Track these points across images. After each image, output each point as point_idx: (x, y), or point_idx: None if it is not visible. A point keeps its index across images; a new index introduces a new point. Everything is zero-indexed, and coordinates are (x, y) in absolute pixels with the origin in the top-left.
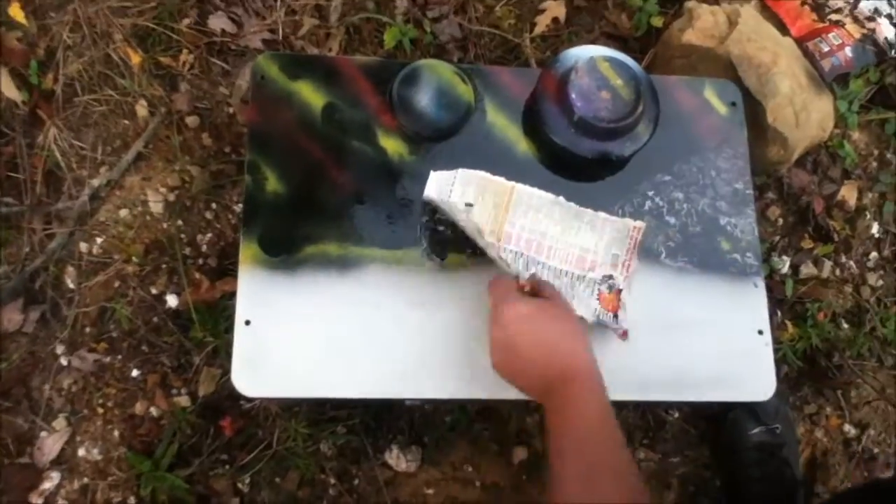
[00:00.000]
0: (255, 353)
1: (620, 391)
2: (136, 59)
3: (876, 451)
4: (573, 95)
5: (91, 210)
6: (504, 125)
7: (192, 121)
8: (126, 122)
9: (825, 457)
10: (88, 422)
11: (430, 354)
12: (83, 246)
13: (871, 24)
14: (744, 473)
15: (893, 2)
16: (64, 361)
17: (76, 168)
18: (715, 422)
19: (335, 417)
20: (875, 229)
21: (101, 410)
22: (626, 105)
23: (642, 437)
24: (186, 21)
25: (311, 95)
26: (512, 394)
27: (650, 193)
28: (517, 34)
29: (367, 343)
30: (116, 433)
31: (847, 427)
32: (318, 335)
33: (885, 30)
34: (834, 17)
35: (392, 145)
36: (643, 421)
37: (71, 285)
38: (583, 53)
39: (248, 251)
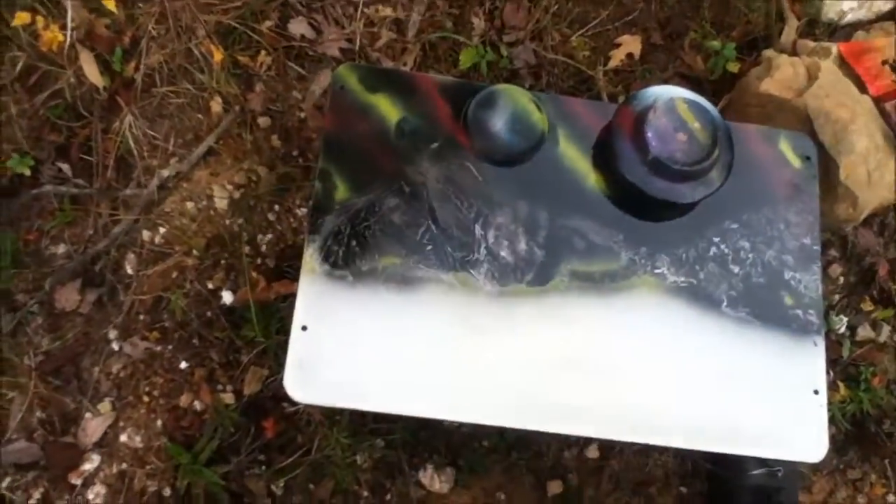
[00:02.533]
0: (309, 359)
1: (668, 436)
2: (217, 55)
3: None
4: (649, 134)
5: (157, 199)
6: (575, 157)
7: (263, 121)
8: (200, 116)
9: None
10: (133, 408)
11: (478, 379)
12: (146, 234)
13: None
14: None
15: None
16: (115, 346)
17: (147, 157)
18: (714, 456)
19: (375, 430)
20: None
21: (146, 398)
22: (702, 149)
23: (679, 484)
24: (268, 23)
25: (388, 109)
26: (554, 427)
27: (716, 240)
28: (591, 66)
29: (419, 361)
30: (159, 422)
31: (892, 497)
32: (372, 348)
33: None
34: None
35: (463, 166)
36: (681, 467)
37: (130, 271)
38: (662, 93)
39: (311, 257)
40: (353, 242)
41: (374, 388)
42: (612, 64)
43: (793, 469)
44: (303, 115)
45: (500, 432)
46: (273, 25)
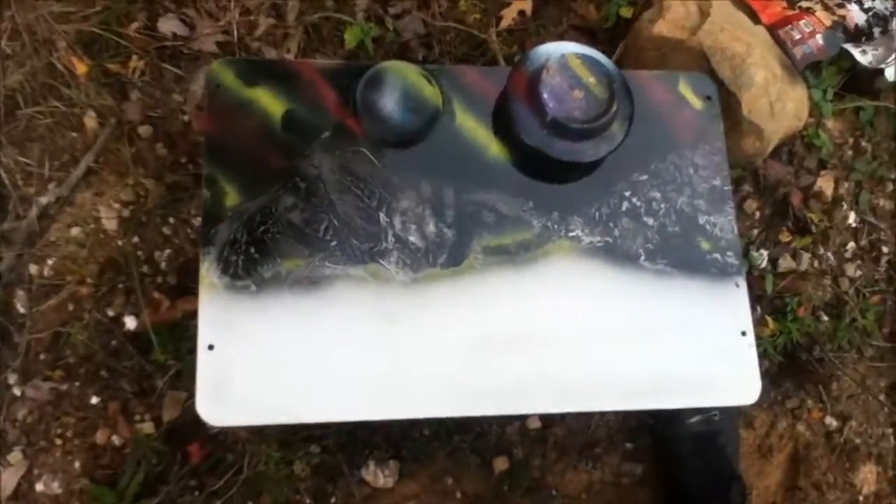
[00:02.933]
0: (221, 380)
1: (603, 401)
2: (81, 67)
3: (858, 441)
4: (545, 95)
5: (40, 230)
6: (474, 127)
7: (144, 131)
8: (74, 134)
9: (808, 450)
10: (46, 454)
11: (404, 373)
12: (33, 268)
13: (841, 11)
14: (680, 465)
15: None
16: (17, 391)
17: (22, 185)
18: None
19: (308, 437)
20: (852, 219)
21: (59, 441)
22: (600, 104)
23: (624, 441)
24: (135, 25)
25: (271, 103)
26: (490, 410)
27: (627, 194)
28: (483, 29)
29: (338, 364)
30: (77, 464)
31: (829, 420)
32: (285, 358)
33: (855, 16)
34: (804, 4)
35: (357, 153)
36: (624, 424)
37: (21, 310)
38: (554, 51)
39: (208, 271)
40: (252, 249)
41: (296, 400)
42: (505, 24)
43: (728, 410)
44: (186, 118)
45: (439, 419)
46: (141, 27)
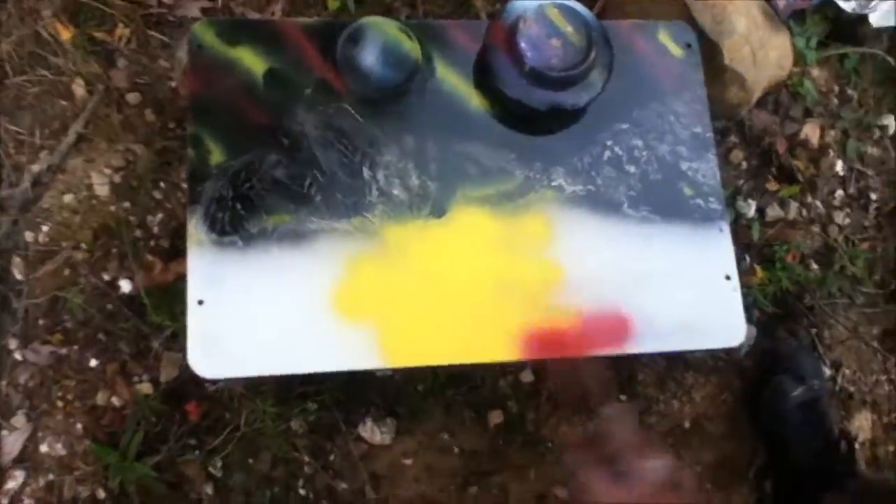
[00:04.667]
0: (211, 333)
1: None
2: (66, 34)
3: (852, 389)
4: (523, 45)
5: (34, 197)
6: (455, 81)
7: (133, 97)
8: (63, 102)
9: None
10: (49, 416)
11: (395, 321)
12: (28, 235)
13: None
14: (790, 435)
15: None
16: (18, 356)
17: (14, 154)
18: (752, 386)
19: (304, 394)
20: (839, 167)
21: (61, 404)
22: (578, 52)
23: (617, 392)
24: None
25: (253, 61)
26: (484, 357)
27: (609, 143)
28: None
29: (327, 315)
30: (79, 426)
31: (822, 368)
32: (274, 310)
33: None
34: None
35: (340, 109)
36: (616, 376)
37: (19, 276)
38: (531, 2)
39: (195, 228)
40: (238, 206)
41: (286, 352)
42: None
43: (823, 380)
44: (173, 84)
45: (434, 373)
46: None
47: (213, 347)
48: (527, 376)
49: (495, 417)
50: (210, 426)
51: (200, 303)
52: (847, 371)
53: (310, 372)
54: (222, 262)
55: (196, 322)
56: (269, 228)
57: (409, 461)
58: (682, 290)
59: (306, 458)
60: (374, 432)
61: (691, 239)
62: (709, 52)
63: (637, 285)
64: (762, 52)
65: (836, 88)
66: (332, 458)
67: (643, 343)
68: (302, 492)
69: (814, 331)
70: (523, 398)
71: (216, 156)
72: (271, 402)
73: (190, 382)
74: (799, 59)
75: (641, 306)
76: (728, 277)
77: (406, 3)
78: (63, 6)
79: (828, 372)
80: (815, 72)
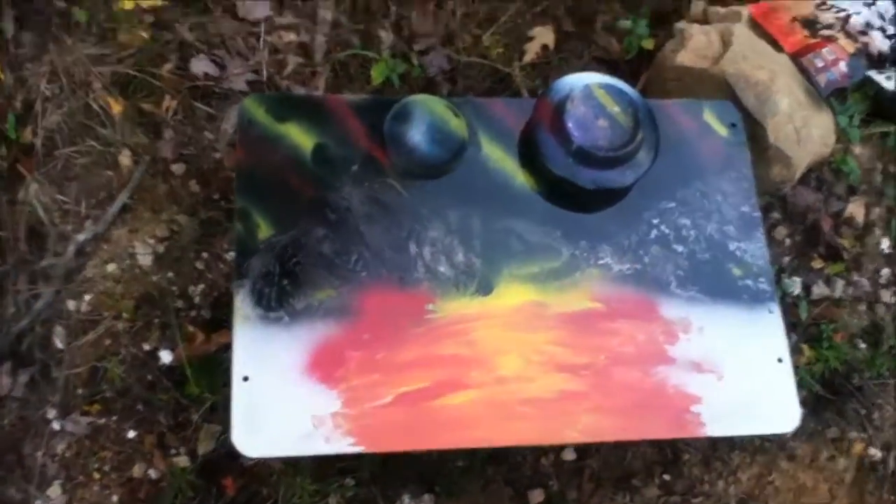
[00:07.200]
0: (255, 411)
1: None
2: (116, 107)
3: None
4: (570, 124)
5: (77, 266)
6: (500, 158)
7: (177, 168)
8: (109, 172)
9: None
10: (85, 488)
11: (437, 402)
12: (71, 304)
13: (863, 38)
14: None
15: (885, 15)
16: (56, 426)
17: (60, 223)
18: None
19: (342, 469)
20: (885, 245)
21: (97, 475)
22: (625, 132)
23: (661, 472)
24: (167, 66)
25: (301, 137)
26: (525, 438)
27: (655, 222)
28: (506, 63)
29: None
30: (115, 498)
31: (872, 450)
32: (320, 388)
33: (878, 43)
34: (826, 32)
35: (386, 184)
36: (661, 455)
37: (60, 345)
38: (578, 81)
39: (241, 303)
40: (285, 281)
41: (331, 430)
42: (528, 58)
43: None
44: (218, 155)
45: (473, 450)
46: (173, 68)
47: (257, 425)
48: (569, 454)
49: (536, 496)
50: (247, 501)
51: (246, 379)
52: None
53: (353, 453)
54: (268, 338)
55: (241, 399)
56: (316, 304)
57: None
58: (735, 374)
59: None
60: None
61: (742, 319)
62: (752, 131)
63: (689, 369)
64: (805, 130)
65: (880, 166)
66: None
67: (700, 429)
68: None
69: (863, 411)
70: (565, 477)
71: (263, 230)
72: (309, 479)
73: (227, 456)
74: (841, 136)
75: (697, 392)
76: (780, 360)
77: (447, 78)
78: (113, 79)
79: (878, 455)
80: (858, 149)
